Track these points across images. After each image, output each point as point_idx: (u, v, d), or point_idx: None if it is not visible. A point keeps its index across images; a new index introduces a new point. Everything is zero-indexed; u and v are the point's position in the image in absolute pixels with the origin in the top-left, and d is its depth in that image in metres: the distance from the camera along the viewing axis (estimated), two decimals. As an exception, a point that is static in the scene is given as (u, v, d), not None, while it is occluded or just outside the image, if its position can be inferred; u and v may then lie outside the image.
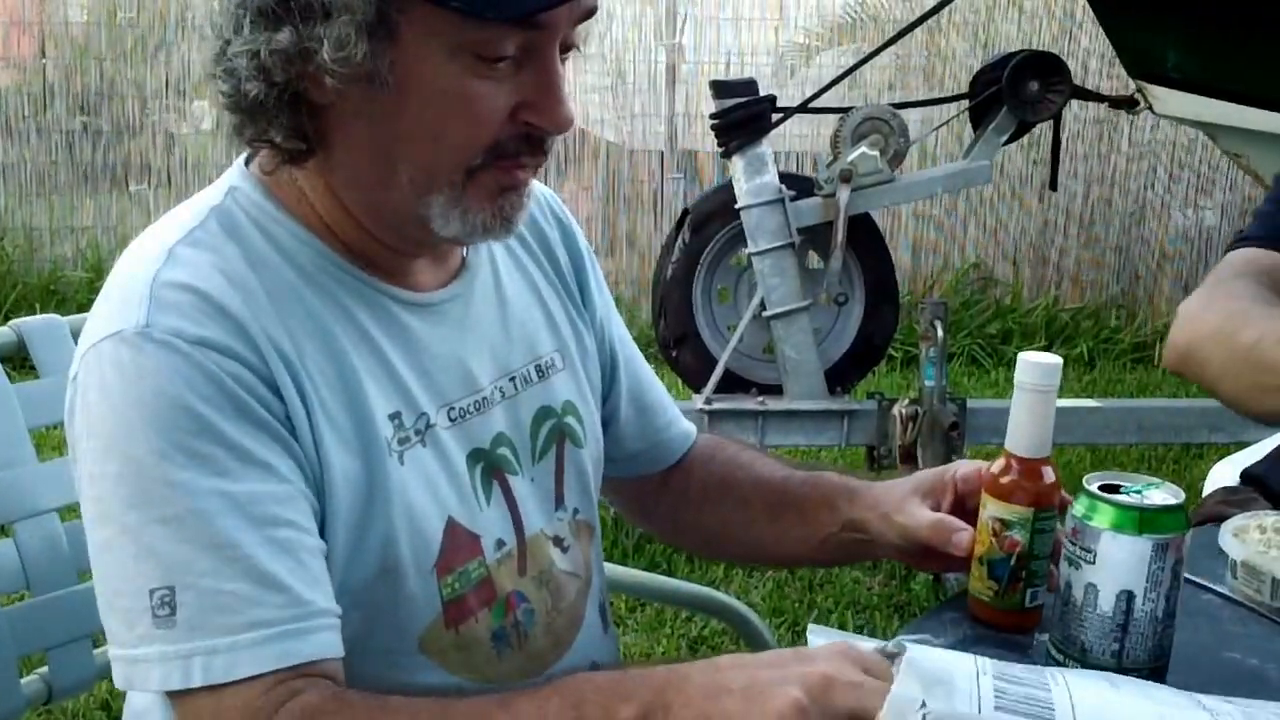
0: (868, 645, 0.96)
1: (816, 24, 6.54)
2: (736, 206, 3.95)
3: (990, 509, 1.26)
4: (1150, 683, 1.05)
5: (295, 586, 1.06)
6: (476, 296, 1.32)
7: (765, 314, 3.99)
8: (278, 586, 1.06)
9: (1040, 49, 4.24)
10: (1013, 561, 1.25)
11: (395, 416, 1.19)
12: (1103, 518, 1.16)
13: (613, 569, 1.89)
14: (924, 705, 0.81)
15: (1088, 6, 4.21)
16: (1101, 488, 1.18)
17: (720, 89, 4.05)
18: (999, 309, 6.37)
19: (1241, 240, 1.77)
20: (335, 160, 1.15)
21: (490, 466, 1.28)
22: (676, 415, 1.59)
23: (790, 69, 6.50)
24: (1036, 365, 1.24)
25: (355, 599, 1.15)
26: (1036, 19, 6.33)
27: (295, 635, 1.06)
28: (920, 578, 3.74)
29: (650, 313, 4.58)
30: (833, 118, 4.18)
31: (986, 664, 0.90)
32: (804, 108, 4.24)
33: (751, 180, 3.93)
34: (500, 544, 1.27)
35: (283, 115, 1.10)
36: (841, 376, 4.18)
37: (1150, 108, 4.05)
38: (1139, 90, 4.10)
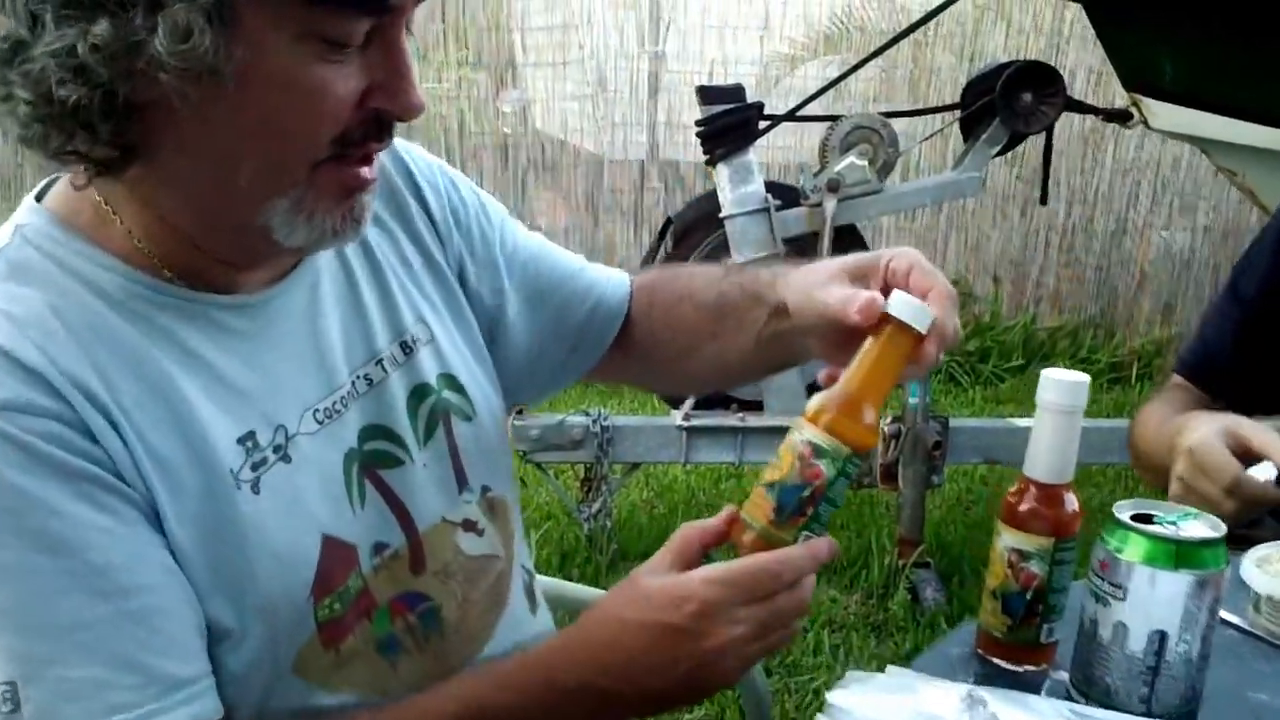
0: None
1: (802, 34, 6.49)
2: (721, 215, 3.92)
3: (1006, 538, 1.19)
4: None
5: (151, 661, 1.01)
6: (323, 281, 1.22)
7: (747, 327, 3.91)
8: (131, 666, 1.00)
9: (1034, 60, 4.21)
10: (1029, 595, 1.18)
11: (247, 439, 1.10)
12: (1135, 550, 1.09)
13: (577, 590, 1.82)
14: None
15: (1080, 19, 4.19)
16: (1134, 517, 1.11)
17: (707, 95, 4.02)
18: (978, 326, 6.34)
19: (1178, 363, 1.99)
20: (161, 167, 1.03)
21: (363, 465, 1.20)
22: (599, 295, 1.47)
23: (774, 79, 6.44)
24: (1062, 384, 1.17)
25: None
26: (1023, 33, 6.29)
27: (158, 715, 1.00)
28: (898, 596, 3.67)
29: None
30: (817, 128, 4.20)
31: None
32: (792, 115, 4.21)
33: (737, 189, 3.91)
34: (380, 548, 1.20)
35: (103, 121, 0.97)
36: (825, 391, 4.11)
37: (1145, 122, 4.03)
38: (1133, 103, 4.08)
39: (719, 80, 6.02)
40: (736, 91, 4.03)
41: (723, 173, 3.92)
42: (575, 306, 1.45)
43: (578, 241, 6.36)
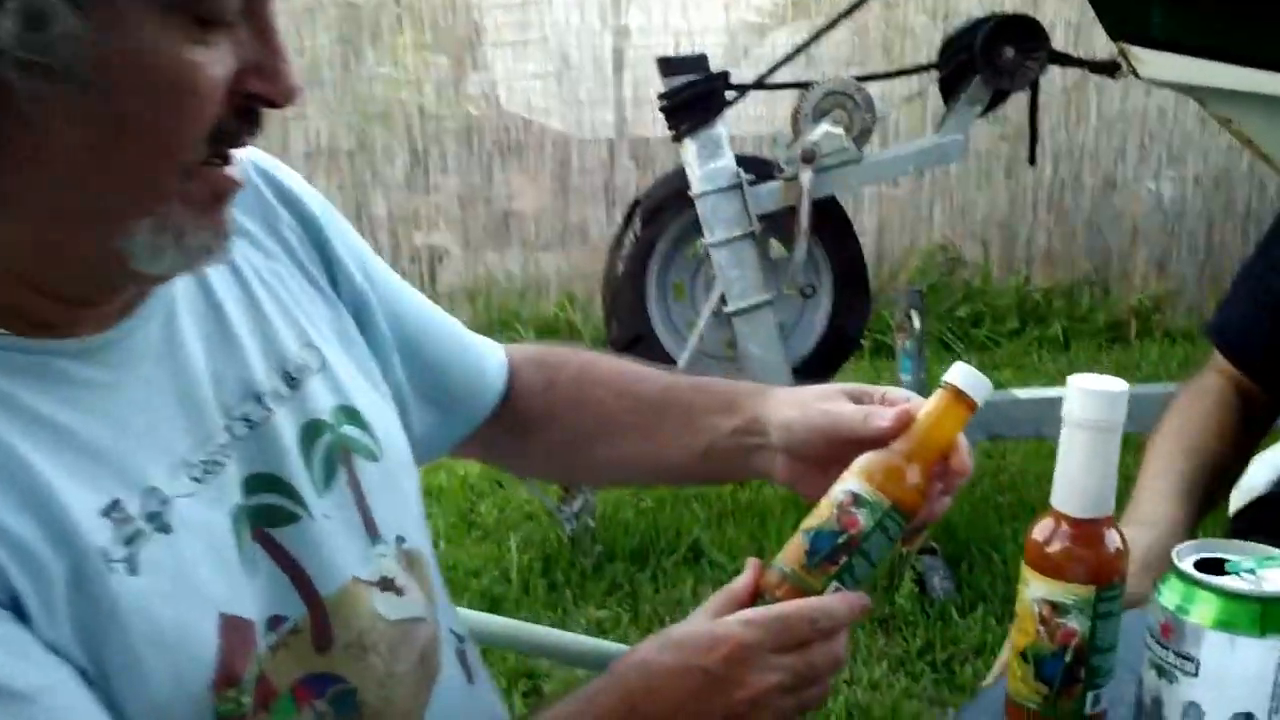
0: None
1: (769, 1, 6.32)
2: (691, 194, 3.76)
3: (1035, 588, 0.99)
4: None
5: None
6: (179, 309, 1.05)
7: (726, 310, 3.80)
8: None
9: (1014, 13, 4.05)
10: (1068, 657, 0.99)
11: (112, 509, 0.92)
12: (1206, 610, 0.88)
13: (548, 634, 1.68)
14: None
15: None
16: (1200, 565, 0.90)
17: (668, 66, 3.85)
18: (968, 290, 6.20)
19: (1214, 336, 1.81)
20: None
21: (252, 524, 1.04)
22: (479, 359, 1.40)
23: (743, 48, 6.26)
24: (1097, 395, 0.95)
25: None
26: (998, -11, 6.12)
27: None
28: (905, 589, 3.50)
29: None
30: (790, 96, 4.00)
31: None
32: (760, 84, 4.03)
33: (705, 165, 3.75)
34: (275, 622, 1.02)
35: None
36: (811, 373, 3.96)
37: (1134, 72, 3.84)
38: (1121, 53, 3.87)
39: (685, 53, 5.87)
40: (699, 61, 3.87)
41: (690, 148, 3.76)
42: (451, 367, 1.36)
43: (548, 225, 6.19)
